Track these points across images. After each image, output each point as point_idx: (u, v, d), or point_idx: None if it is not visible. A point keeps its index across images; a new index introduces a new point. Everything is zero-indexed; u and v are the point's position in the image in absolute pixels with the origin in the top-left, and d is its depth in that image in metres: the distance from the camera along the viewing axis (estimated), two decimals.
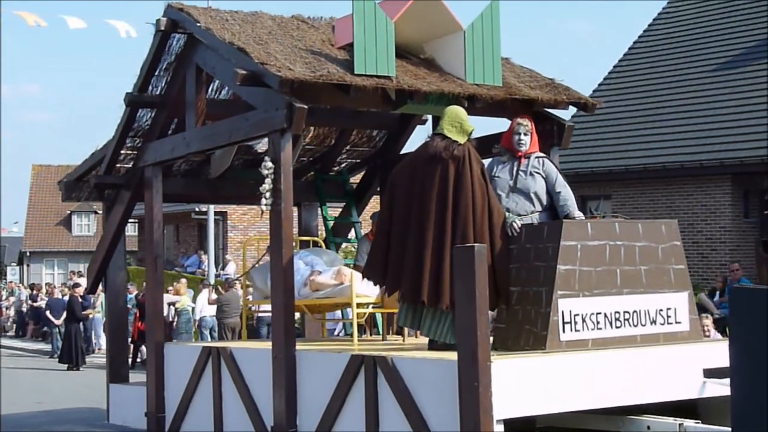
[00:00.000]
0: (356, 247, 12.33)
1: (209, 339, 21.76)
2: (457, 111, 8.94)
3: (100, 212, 54.96)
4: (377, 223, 9.09)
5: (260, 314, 23.26)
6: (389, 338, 11.35)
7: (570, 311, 8.13)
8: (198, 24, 10.50)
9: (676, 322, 8.66)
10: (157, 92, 11.81)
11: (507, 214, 8.69)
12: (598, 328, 8.26)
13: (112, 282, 13.02)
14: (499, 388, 7.47)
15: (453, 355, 7.92)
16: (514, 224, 8.55)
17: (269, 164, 9.57)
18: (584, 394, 7.97)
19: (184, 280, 23.80)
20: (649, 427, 8.24)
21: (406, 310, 8.90)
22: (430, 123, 12.54)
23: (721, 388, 8.42)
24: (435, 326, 8.71)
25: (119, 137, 12.07)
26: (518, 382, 7.65)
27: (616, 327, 8.35)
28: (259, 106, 9.91)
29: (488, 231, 8.53)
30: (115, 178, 12.56)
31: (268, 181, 9.58)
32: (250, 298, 12.26)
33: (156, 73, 11.63)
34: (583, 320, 8.19)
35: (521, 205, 8.90)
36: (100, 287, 15.82)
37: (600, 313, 8.28)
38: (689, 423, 8.13)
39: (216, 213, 30.66)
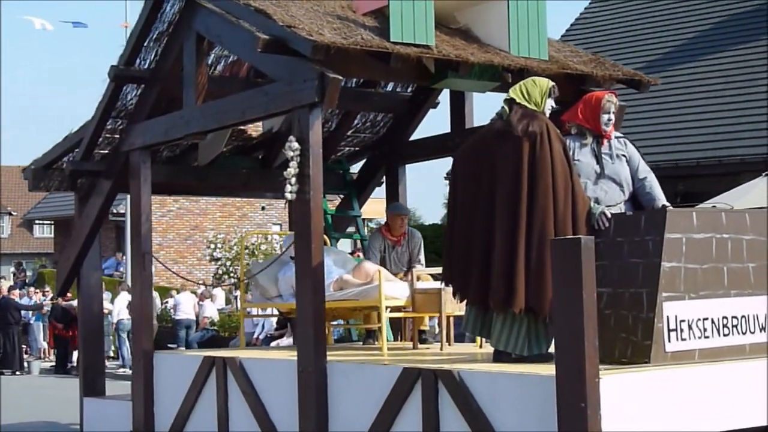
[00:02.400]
0: (367, 243, 10.92)
1: (127, 343, 21.05)
2: (527, 80, 7.63)
3: (15, 213, 52.51)
4: (446, 214, 7.73)
5: (177, 317, 22.26)
6: (403, 346, 9.98)
7: (675, 317, 6.79)
8: None
9: None
10: (146, 66, 10.28)
11: (592, 203, 7.38)
12: (705, 337, 6.93)
13: (86, 284, 11.43)
14: (608, 408, 6.14)
15: (543, 369, 6.60)
16: (604, 215, 7.23)
17: (295, 145, 8.13)
18: (698, 415, 6.65)
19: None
20: None
21: (474, 316, 7.52)
22: (446, 105, 11.18)
23: None
24: (507, 335, 7.32)
25: (100, 117, 10.48)
26: (629, 402, 6.31)
27: (724, 335, 7.04)
28: (280, 77, 8.46)
29: (571, 222, 7.21)
30: (94, 165, 10.98)
31: (293, 164, 8.14)
32: (250, 299, 10.78)
33: (145, 44, 10.11)
34: (690, 327, 6.87)
35: (611, 195, 7.57)
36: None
37: (707, 319, 6.95)
38: None
39: None
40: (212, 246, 26.95)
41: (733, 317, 7.09)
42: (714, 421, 6.75)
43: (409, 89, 11.71)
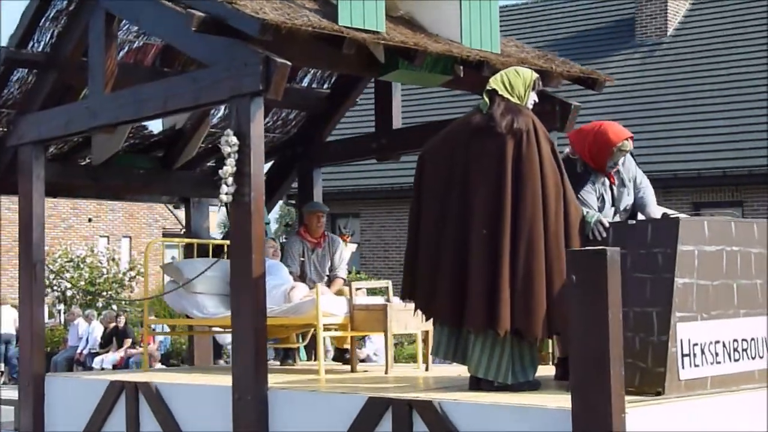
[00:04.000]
0: (284, 249, 9.82)
1: None
2: (508, 70, 6.73)
3: None
4: (408, 221, 6.73)
5: None
6: (333, 368, 8.97)
7: (689, 340, 5.98)
8: None
9: None
10: (40, 49, 8.97)
11: (587, 211, 6.51)
12: (717, 362, 6.14)
13: None
14: None
15: (545, 401, 5.71)
16: (600, 224, 6.38)
17: (233, 140, 7.02)
18: None
19: None
20: None
21: (447, 338, 6.54)
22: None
23: None
24: (488, 361, 6.35)
25: None
26: None
27: (735, 360, 6.26)
28: (213, 62, 7.35)
29: (564, 231, 6.32)
30: None
31: (230, 162, 7.03)
32: (166, 288, 9.44)
33: (40, 24, 8.82)
34: (702, 352, 6.07)
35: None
36: None
37: (718, 342, 6.15)
38: None
39: None
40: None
41: (743, 340, 6.32)
42: None
43: (326, 86, 10.69)
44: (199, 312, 8.98)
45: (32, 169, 8.85)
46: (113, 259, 27.39)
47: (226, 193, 7.05)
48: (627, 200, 6.93)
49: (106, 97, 8.18)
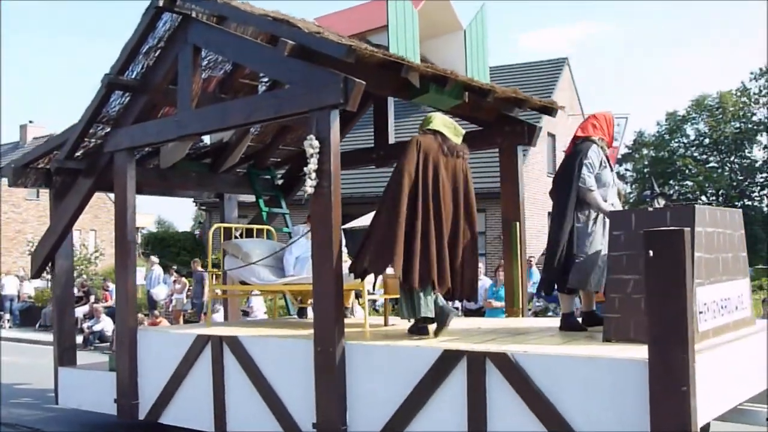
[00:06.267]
0: (297, 233, 8.29)
1: None
2: (444, 116, 5.87)
3: None
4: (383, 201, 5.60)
5: (3, 293, 20.18)
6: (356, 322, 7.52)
7: (702, 301, 4.84)
8: None
9: (744, 308, 5.59)
10: (133, 76, 7.28)
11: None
12: (713, 317, 5.01)
13: (59, 268, 8.21)
14: (702, 389, 4.08)
15: (612, 352, 4.45)
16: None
17: (315, 143, 5.56)
18: (742, 386, 4.74)
19: None
20: None
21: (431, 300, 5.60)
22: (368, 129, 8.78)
23: None
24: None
25: (89, 120, 7.38)
26: (711, 381, 4.29)
27: (721, 315, 5.15)
28: (291, 83, 5.87)
29: None
30: (76, 163, 7.81)
31: (313, 160, 5.56)
32: (227, 265, 7.84)
33: (135, 57, 7.13)
34: (708, 309, 4.93)
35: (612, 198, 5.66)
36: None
37: (714, 302, 5.04)
38: None
39: None
40: (30, 244, 25.56)
41: (724, 299, 5.20)
42: (748, 389, 4.87)
43: None
44: (257, 279, 7.44)
45: (126, 169, 7.16)
46: (83, 245, 26.89)
47: (310, 186, 5.57)
48: (611, 176, 5.72)
49: (193, 112, 6.58)
